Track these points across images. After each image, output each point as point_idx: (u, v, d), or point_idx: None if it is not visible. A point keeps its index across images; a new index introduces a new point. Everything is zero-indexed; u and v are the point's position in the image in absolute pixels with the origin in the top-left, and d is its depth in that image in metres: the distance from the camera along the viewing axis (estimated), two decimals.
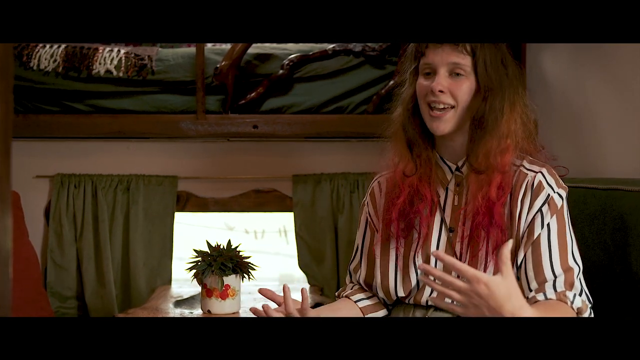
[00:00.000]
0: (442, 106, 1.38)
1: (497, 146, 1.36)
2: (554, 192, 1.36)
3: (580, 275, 1.35)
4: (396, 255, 1.46)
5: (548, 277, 1.32)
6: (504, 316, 1.14)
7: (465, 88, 1.37)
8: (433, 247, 1.42)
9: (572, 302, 1.30)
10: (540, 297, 1.32)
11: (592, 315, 1.34)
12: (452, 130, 1.39)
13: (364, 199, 1.59)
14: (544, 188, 1.36)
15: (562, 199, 1.37)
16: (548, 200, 1.35)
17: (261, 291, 1.40)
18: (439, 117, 1.38)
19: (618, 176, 1.84)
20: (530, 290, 1.33)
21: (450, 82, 1.37)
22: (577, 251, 1.37)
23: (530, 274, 1.33)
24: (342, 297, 1.57)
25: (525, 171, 1.39)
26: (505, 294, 1.14)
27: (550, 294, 1.31)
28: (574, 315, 1.30)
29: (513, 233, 1.37)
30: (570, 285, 1.31)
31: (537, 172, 1.38)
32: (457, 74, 1.37)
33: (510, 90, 1.39)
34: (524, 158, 1.41)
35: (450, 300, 1.36)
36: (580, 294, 1.32)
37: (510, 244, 1.17)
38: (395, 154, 1.48)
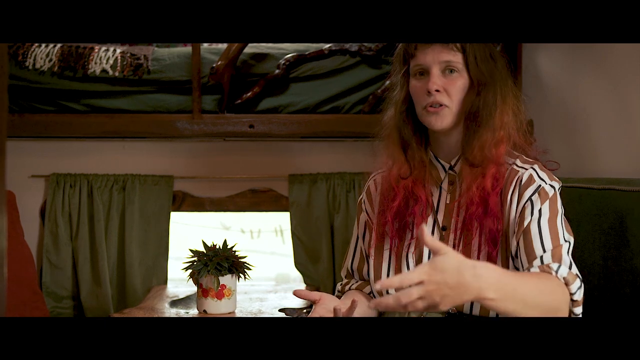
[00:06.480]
0: (437, 105, 1.38)
1: (491, 139, 1.37)
2: (546, 183, 1.36)
3: (571, 250, 1.32)
4: (390, 255, 1.47)
5: (537, 254, 1.30)
6: (471, 286, 1.07)
7: (459, 85, 1.38)
8: (426, 248, 1.42)
9: (556, 272, 1.26)
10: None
11: (582, 289, 1.28)
12: (450, 126, 1.39)
13: (361, 196, 1.59)
14: (534, 181, 1.36)
15: (554, 189, 1.37)
16: (538, 190, 1.35)
17: (296, 293, 1.38)
18: (437, 111, 1.38)
19: (613, 176, 1.84)
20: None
21: (444, 80, 1.38)
22: (568, 233, 1.35)
23: (524, 258, 1.32)
24: (351, 290, 1.55)
25: (517, 168, 1.39)
26: (455, 265, 1.07)
27: (535, 269, 1.29)
28: (561, 284, 1.25)
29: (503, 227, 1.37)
30: (558, 258, 1.29)
31: (528, 169, 1.38)
32: (451, 71, 1.38)
33: (501, 83, 1.40)
34: (518, 157, 1.41)
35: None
36: (570, 268, 1.28)
37: (424, 227, 1.08)
38: (389, 157, 1.48)
